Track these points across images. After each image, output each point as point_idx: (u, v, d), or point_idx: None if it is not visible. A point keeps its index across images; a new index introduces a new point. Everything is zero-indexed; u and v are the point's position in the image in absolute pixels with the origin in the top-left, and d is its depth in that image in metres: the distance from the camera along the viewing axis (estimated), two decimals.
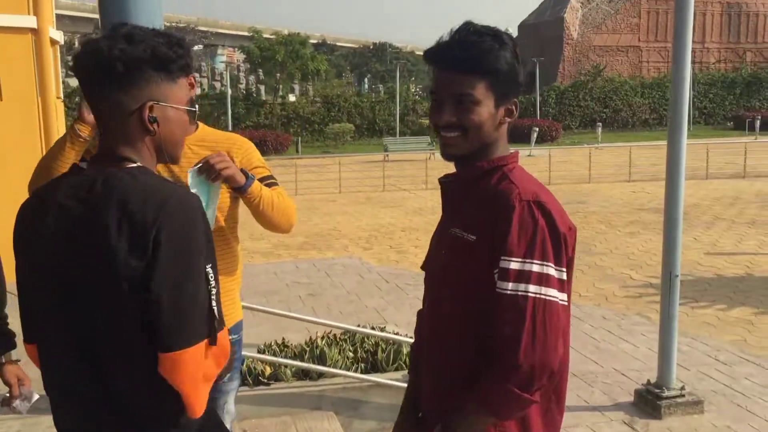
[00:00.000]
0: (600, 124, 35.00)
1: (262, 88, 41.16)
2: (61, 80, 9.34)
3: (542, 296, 1.61)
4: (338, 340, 4.85)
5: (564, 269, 1.66)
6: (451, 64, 1.70)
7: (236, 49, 42.36)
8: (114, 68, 1.51)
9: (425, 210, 14.62)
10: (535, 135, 29.61)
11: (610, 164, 21.90)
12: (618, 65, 46.26)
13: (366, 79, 62.72)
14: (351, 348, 4.70)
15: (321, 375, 4.35)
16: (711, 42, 48.25)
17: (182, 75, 1.61)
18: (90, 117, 2.39)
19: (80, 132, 2.41)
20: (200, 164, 2.28)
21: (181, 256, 1.48)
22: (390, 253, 10.58)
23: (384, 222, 13.13)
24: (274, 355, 4.58)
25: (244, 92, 37.62)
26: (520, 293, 1.61)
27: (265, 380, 4.31)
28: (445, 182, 1.87)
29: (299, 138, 32.87)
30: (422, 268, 1.96)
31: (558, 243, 1.64)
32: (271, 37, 37.60)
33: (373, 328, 5.11)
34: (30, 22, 7.21)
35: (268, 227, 2.60)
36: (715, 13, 47.97)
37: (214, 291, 1.51)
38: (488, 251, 1.64)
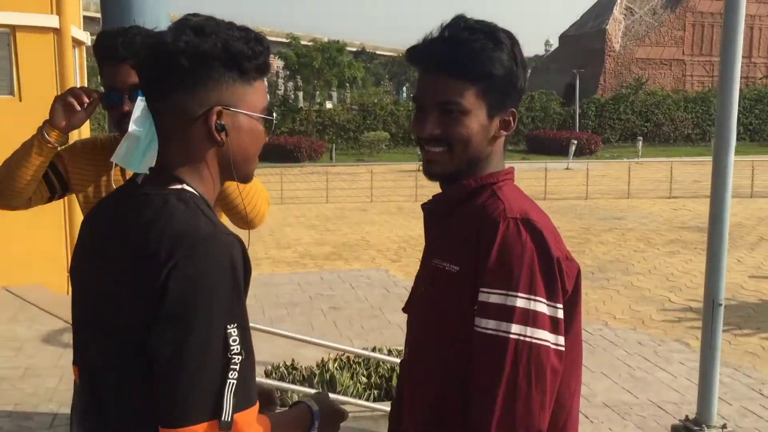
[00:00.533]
0: (641, 138, 34.41)
1: (300, 94, 41.30)
2: (86, 81, 9.27)
3: (527, 339, 1.33)
4: (351, 362, 4.57)
5: (559, 305, 1.36)
6: (435, 66, 1.44)
7: (275, 55, 42.75)
8: (177, 63, 1.28)
9: None
10: (573, 148, 29.16)
11: (650, 179, 21.32)
12: (661, 78, 45.37)
13: (404, 88, 62.68)
14: (365, 372, 4.41)
15: None
16: (758, 56, 47.04)
17: (258, 76, 1.37)
18: (62, 122, 2.13)
19: (48, 137, 2.11)
20: None
21: (190, 310, 1.20)
22: (418, 266, 10.28)
23: (414, 233, 12.81)
24: (282, 377, 4.32)
25: (281, 98, 37.74)
26: (500, 334, 1.33)
27: None
28: (428, 208, 1.59)
29: (334, 145, 32.80)
30: (404, 310, 1.66)
31: (550, 271, 1.35)
32: (309, 43, 37.74)
33: (390, 352, 4.81)
34: (52, 21, 7.12)
35: (230, 210, 2.24)
36: (763, 27, 46.78)
37: (237, 359, 1.21)
38: (473, 283, 1.37)
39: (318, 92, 39.29)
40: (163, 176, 1.36)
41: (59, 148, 2.18)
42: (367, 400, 4.19)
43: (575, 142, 30.16)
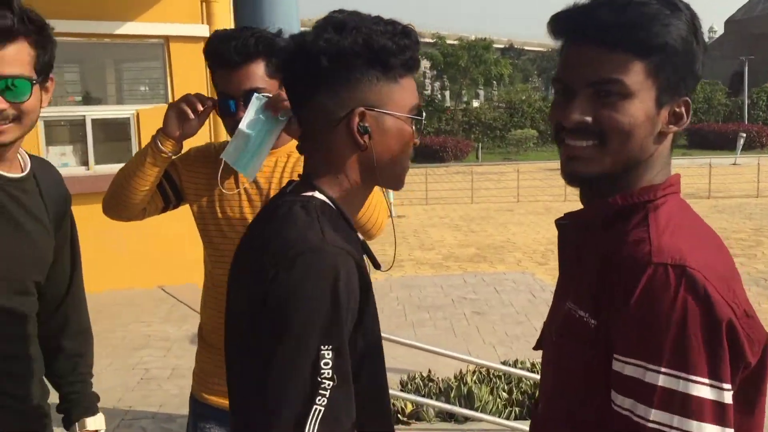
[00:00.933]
0: None
1: (447, 94, 41.22)
2: None
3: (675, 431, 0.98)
4: (492, 376, 4.29)
5: (726, 385, 0.99)
6: (589, 35, 1.11)
7: (421, 56, 43.17)
8: (316, 63, 1.23)
9: None
10: (741, 142, 26.99)
11: None
12: None
13: None
14: (505, 387, 4.12)
15: (468, 418, 3.83)
16: None
17: (406, 73, 1.28)
18: (176, 131, 2.03)
19: (162, 146, 2.03)
20: (270, 95, 1.92)
21: (282, 324, 1.13)
22: None
23: None
24: (417, 390, 4.13)
25: (427, 98, 37.83)
26: (635, 419, 1.01)
27: (405, 419, 3.86)
28: (563, 224, 1.27)
29: (480, 144, 32.39)
30: (535, 348, 1.39)
31: (714, 338, 0.99)
32: (455, 42, 37.54)
33: (533, 366, 4.47)
34: (203, 31, 7.38)
35: None
36: None
37: (327, 384, 1.11)
38: (608, 343, 1.07)
39: (464, 91, 38.99)
40: (303, 183, 1.31)
41: (173, 157, 2.10)
42: (507, 418, 3.90)
43: (743, 135, 27.84)
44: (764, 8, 42.48)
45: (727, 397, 0.99)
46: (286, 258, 1.16)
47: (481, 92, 44.19)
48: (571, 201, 16.68)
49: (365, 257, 1.40)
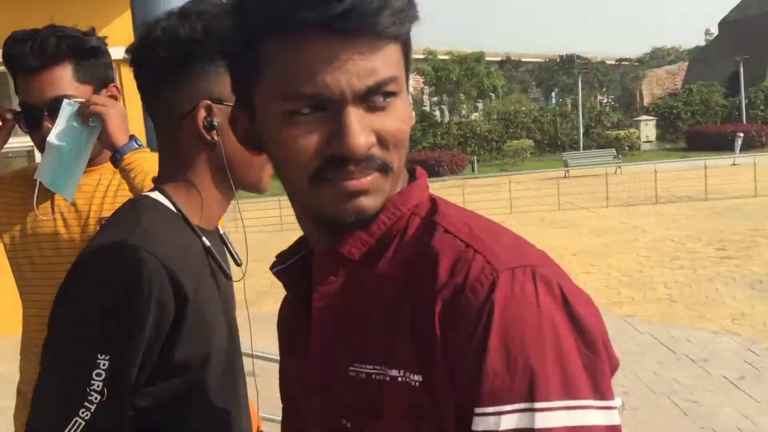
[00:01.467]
0: None
1: (445, 108, 41.16)
2: None
3: None
4: None
5: (612, 403, 0.75)
6: (354, 22, 0.74)
7: (413, 72, 43.29)
8: (155, 54, 1.14)
9: (604, 230, 13.23)
10: (739, 142, 26.75)
11: None
12: None
13: (553, 94, 61.05)
14: None
15: None
16: None
17: None
18: None
19: None
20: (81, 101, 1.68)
21: (60, 326, 1.10)
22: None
23: (554, 245, 11.90)
24: None
25: (421, 114, 37.72)
26: None
27: None
28: (285, 270, 0.93)
29: (476, 157, 32.19)
30: None
31: (592, 349, 0.75)
32: (446, 57, 37.42)
33: None
34: None
35: None
36: None
37: (93, 398, 1.02)
38: (453, 402, 0.75)
39: (463, 105, 38.90)
40: (153, 187, 1.22)
41: None
42: None
43: (741, 135, 27.57)
44: (758, 8, 42.39)
45: (616, 418, 0.75)
46: (81, 261, 1.11)
47: (480, 105, 44.17)
48: (566, 209, 16.42)
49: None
